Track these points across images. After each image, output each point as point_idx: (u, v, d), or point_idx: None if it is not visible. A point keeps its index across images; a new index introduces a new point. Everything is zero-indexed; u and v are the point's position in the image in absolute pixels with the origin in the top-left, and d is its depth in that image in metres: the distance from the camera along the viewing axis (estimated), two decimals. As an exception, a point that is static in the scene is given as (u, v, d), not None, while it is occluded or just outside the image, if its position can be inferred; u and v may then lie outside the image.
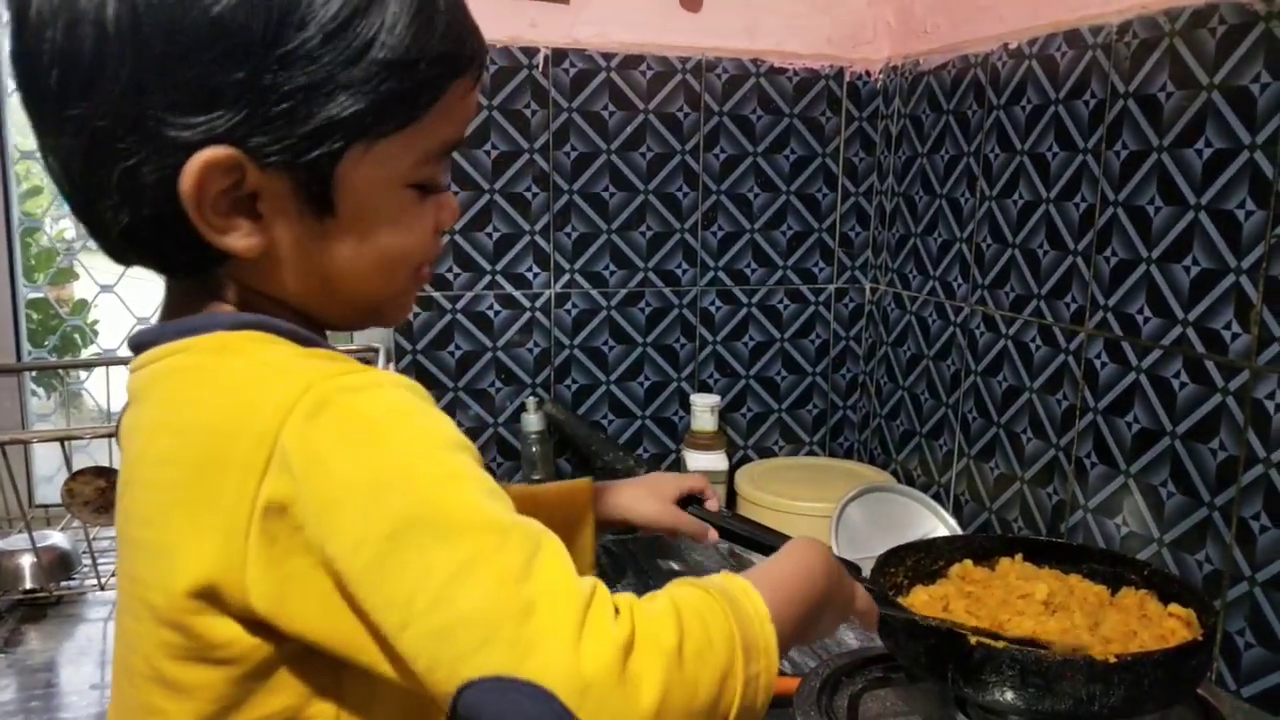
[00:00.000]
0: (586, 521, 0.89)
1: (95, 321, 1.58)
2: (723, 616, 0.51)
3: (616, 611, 0.48)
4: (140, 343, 0.57)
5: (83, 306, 1.56)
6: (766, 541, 0.92)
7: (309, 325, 0.58)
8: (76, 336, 1.59)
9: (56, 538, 1.24)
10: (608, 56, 1.45)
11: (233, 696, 0.53)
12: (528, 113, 1.44)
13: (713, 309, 1.57)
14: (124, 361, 1.55)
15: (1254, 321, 0.95)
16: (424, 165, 0.56)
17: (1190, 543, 1.03)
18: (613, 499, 0.91)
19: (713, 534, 0.91)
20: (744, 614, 0.52)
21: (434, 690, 0.47)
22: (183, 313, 0.57)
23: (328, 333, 0.62)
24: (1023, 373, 1.27)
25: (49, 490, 1.48)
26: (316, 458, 0.48)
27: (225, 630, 0.52)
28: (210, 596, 0.51)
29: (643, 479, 0.96)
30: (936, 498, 1.39)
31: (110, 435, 1.14)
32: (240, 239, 0.52)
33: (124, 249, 0.55)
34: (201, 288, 0.57)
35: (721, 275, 1.57)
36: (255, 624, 0.51)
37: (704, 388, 1.59)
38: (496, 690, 0.45)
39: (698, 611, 0.50)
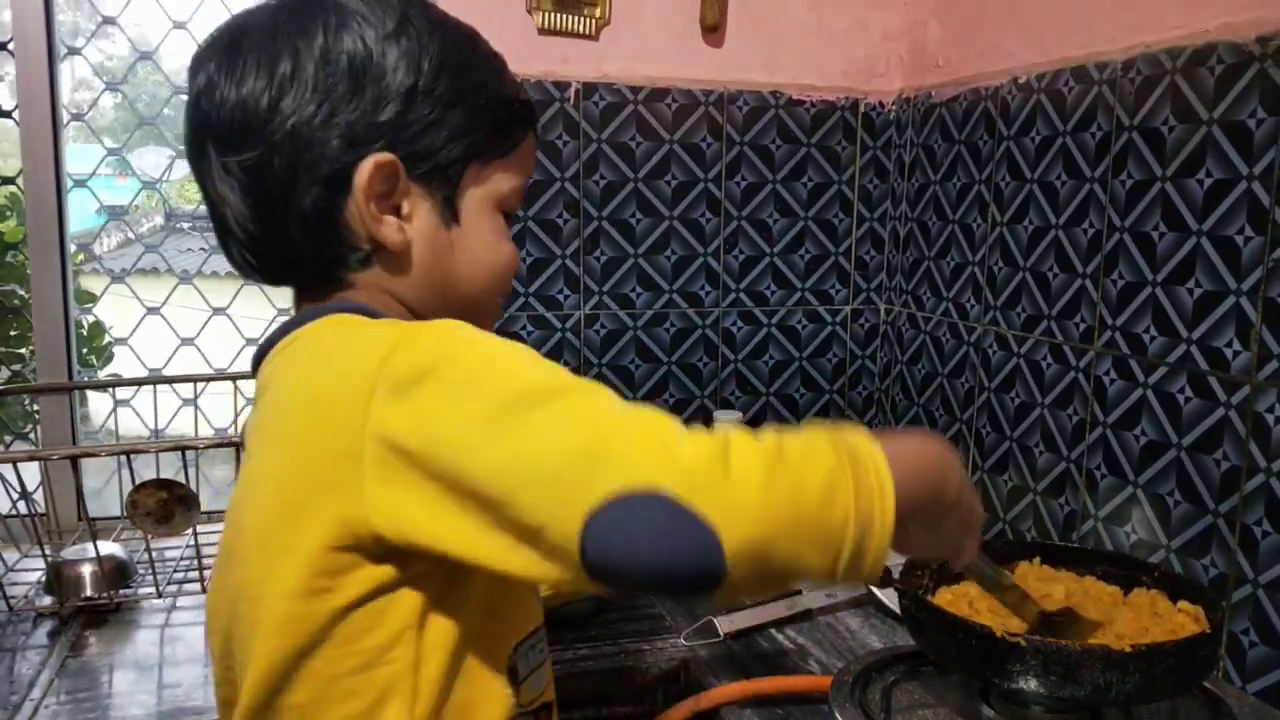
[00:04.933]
0: None
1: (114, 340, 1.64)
2: (829, 448, 0.54)
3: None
4: (260, 353, 0.65)
5: (101, 335, 1.62)
6: None
7: None
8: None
9: (114, 548, 1.30)
10: (635, 90, 1.53)
11: (335, 627, 0.58)
12: (560, 143, 1.51)
13: (734, 329, 1.64)
14: (168, 380, 1.59)
15: (1254, 340, 1.02)
16: (512, 196, 0.70)
17: (1196, 549, 1.09)
18: None
19: None
20: (859, 457, 0.54)
21: (561, 543, 0.50)
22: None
23: None
24: (1034, 389, 1.34)
25: (94, 504, 1.53)
26: (415, 381, 0.55)
27: (348, 564, 0.57)
28: (346, 545, 0.56)
29: None
30: (951, 510, 1.45)
31: (170, 450, 1.20)
32: (392, 233, 0.64)
33: (285, 253, 0.65)
34: (327, 299, 0.66)
35: (743, 297, 1.64)
36: (378, 553, 0.56)
37: (726, 405, 1.65)
38: (617, 510, 0.49)
39: (801, 440, 0.54)
